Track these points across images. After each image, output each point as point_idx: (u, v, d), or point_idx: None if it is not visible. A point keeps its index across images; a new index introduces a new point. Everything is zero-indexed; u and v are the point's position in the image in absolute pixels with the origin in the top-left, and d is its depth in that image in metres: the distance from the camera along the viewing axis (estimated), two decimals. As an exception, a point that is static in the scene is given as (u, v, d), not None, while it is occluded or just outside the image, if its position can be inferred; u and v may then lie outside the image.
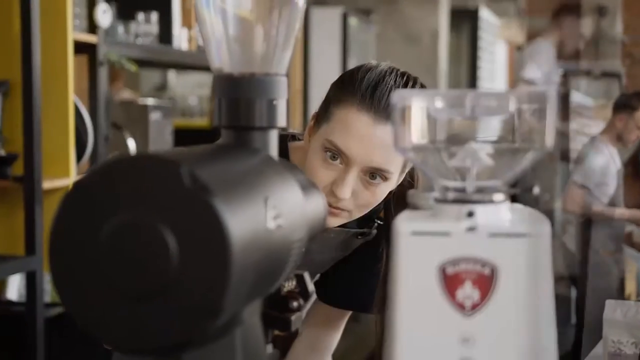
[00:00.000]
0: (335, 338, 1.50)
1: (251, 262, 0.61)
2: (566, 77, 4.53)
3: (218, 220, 0.57)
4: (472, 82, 7.29)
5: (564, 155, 4.32)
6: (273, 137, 0.76)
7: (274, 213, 0.66)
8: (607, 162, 4.27)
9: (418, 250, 0.64)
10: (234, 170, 0.65)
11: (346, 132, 1.19)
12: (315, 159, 1.23)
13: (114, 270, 0.58)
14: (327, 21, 4.80)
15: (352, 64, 6.03)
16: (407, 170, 1.30)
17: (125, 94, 4.55)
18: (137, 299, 0.58)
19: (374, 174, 1.22)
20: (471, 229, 0.64)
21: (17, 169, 2.31)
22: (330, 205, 1.22)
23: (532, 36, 9.64)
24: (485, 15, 7.32)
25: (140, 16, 2.94)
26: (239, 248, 0.58)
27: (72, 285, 0.60)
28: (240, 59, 0.76)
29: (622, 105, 4.33)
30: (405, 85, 1.23)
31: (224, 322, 0.60)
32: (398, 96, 0.66)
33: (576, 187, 4.22)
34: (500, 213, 0.66)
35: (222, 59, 0.76)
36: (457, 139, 0.69)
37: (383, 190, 1.24)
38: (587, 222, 4.35)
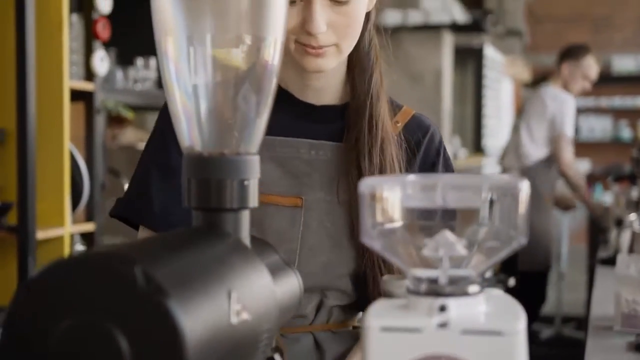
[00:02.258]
0: None
1: (211, 363, 0.58)
2: None
3: (173, 324, 0.54)
4: (477, 119, 7.27)
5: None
6: (245, 218, 0.73)
7: (239, 306, 0.63)
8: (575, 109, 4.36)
9: (388, 348, 0.61)
10: (195, 263, 0.62)
11: None
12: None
13: (65, 374, 0.55)
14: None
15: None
16: None
17: (130, 134, 4.54)
18: (89, 405, 0.55)
19: None
20: (443, 325, 0.61)
21: (11, 218, 2.29)
22: (312, 47, 1.16)
23: (537, 73, 9.67)
24: (490, 53, 7.32)
25: (140, 61, 2.93)
26: (196, 351, 0.55)
27: (22, 388, 0.57)
28: (210, 138, 0.74)
29: (568, 54, 4.41)
30: None
31: None
32: (366, 184, 0.64)
33: (567, 141, 4.27)
34: (474, 306, 0.63)
35: (192, 138, 0.74)
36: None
37: (356, 8, 1.17)
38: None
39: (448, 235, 0.65)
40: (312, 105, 1.27)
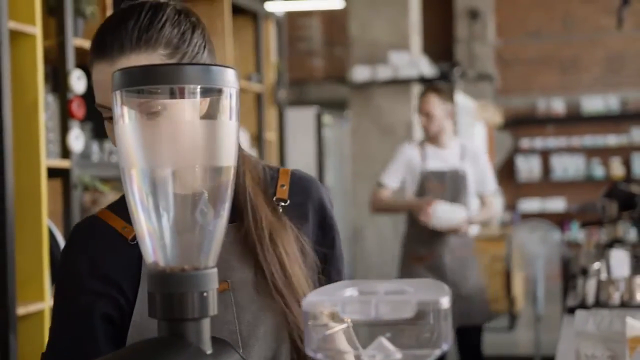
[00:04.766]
0: None
1: None
2: None
3: None
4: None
5: None
6: (205, 325, 0.82)
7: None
8: (407, 161, 4.23)
9: None
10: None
11: (97, 90, 1.20)
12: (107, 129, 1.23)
13: None
14: (302, 120, 4.98)
15: (327, 160, 6.19)
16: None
17: (111, 199, 4.58)
18: None
19: None
20: None
21: (-9, 296, 2.35)
22: None
23: (509, 115, 9.87)
24: (461, 100, 7.47)
25: (114, 134, 3.02)
26: None
27: None
28: (172, 255, 0.83)
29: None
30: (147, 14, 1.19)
31: None
32: (308, 303, 0.73)
33: (378, 187, 4.24)
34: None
35: (156, 255, 0.83)
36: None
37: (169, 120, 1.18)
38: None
39: (384, 341, 0.74)
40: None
